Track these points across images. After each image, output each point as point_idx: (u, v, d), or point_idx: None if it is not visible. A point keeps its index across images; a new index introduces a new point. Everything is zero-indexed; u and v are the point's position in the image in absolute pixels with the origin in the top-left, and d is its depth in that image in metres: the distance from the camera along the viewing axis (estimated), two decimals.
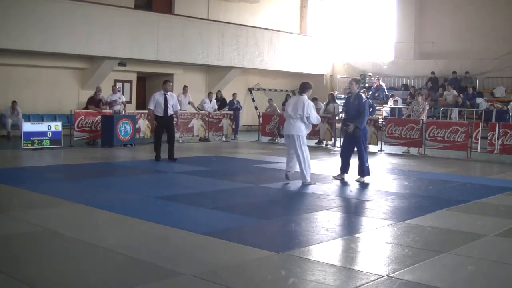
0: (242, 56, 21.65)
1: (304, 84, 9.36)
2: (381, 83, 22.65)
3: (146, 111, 16.96)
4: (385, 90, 22.40)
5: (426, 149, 14.76)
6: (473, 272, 4.68)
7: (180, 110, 14.23)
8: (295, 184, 9.10)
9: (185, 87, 17.70)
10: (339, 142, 16.37)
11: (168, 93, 11.77)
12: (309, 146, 16.51)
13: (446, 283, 4.37)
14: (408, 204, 7.66)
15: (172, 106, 11.78)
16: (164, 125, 11.81)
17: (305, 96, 9.14)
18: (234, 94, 19.80)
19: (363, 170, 9.55)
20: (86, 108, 15.64)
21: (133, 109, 18.64)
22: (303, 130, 9.05)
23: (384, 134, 15.42)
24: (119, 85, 18.77)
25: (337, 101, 18.44)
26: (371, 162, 13.18)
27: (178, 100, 13.22)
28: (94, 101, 15.61)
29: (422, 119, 14.99)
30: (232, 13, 23.20)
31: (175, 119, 12.63)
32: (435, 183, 9.67)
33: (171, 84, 12.07)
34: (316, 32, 26.02)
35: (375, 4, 25.01)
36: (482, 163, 13.38)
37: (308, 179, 9.02)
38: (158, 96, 11.69)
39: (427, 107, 16.00)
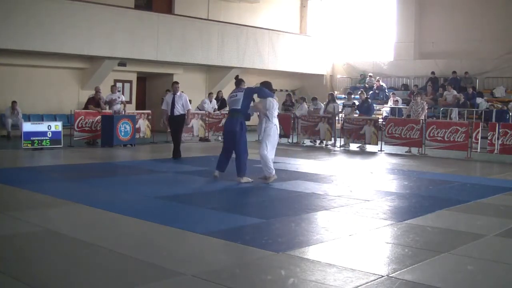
0: (242, 56, 21.65)
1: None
2: (381, 83, 22.65)
3: (146, 111, 17.13)
4: (386, 90, 22.39)
5: (426, 149, 14.76)
6: (473, 272, 4.68)
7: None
8: (295, 184, 9.10)
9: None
10: (339, 142, 16.40)
11: (178, 94, 12.20)
12: (307, 146, 16.73)
13: (446, 283, 4.37)
14: (408, 204, 7.65)
15: (183, 106, 12.22)
16: (173, 125, 12.32)
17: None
18: None
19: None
20: (85, 108, 15.65)
21: (133, 109, 18.65)
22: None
23: (384, 134, 15.41)
24: (119, 85, 18.78)
25: (337, 101, 18.43)
26: (372, 161, 13.23)
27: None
28: (94, 101, 15.62)
29: (422, 119, 14.99)
30: (232, 13, 23.20)
31: (186, 119, 12.70)
32: (435, 183, 9.66)
33: (178, 86, 12.41)
34: (316, 32, 26.01)
35: (375, 4, 25.02)
36: (482, 163, 13.38)
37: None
38: (167, 97, 12.36)
39: (426, 107, 15.99)
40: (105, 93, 16.33)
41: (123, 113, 15.78)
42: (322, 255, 5.07)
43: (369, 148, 15.72)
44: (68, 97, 18.21)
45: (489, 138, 13.87)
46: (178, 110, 12.17)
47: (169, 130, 13.12)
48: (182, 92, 12.48)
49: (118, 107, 16.02)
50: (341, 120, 16.89)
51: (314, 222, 6.53)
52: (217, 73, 22.30)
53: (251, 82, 23.87)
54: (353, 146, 16.07)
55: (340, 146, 16.20)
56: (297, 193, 8.31)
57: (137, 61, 19.09)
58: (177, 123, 12.37)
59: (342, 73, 25.45)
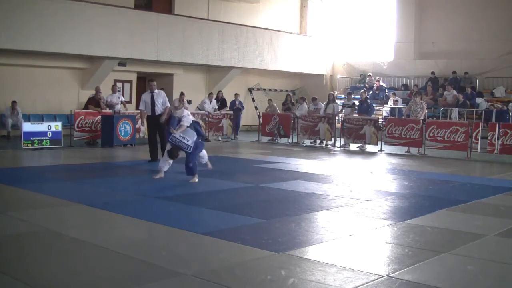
0: (242, 56, 21.64)
1: None
2: (381, 83, 22.64)
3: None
4: (386, 90, 22.38)
5: (426, 149, 14.76)
6: (473, 272, 4.68)
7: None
8: (295, 184, 9.11)
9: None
10: (339, 142, 16.40)
11: (155, 92, 11.50)
12: (307, 146, 16.73)
13: (446, 283, 4.37)
14: (408, 204, 7.66)
15: (162, 104, 11.52)
16: (154, 125, 11.62)
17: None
18: (236, 95, 19.84)
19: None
20: (85, 108, 15.65)
21: (133, 109, 18.63)
22: None
23: (384, 134, 15.41)
24: (119, 85, 18.77)
25: (337, 101, 18.43)
26: (372, 161, 13.23)
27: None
28: (94, 101, 15.63)
29: (422, 119, 14.98)
30: (232, 13, 23.20)
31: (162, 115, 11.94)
32: (435, 183, 9.67)
33: (155, 83, 11.68)
34: (316, 32, 26.00)
35: (375, 4, 25.01)
36: (482, 163, 13.38)
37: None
38: (145, 96, 11.58)
39: (425, 107, 15.99)
40: (105, 93, 16.33)
41: (123, 113, 15.78)
42: (322, 255, 5.08)
43: (369, 148, 15.72)
44: (68, 97, 18.21)
45: (489, 138, 13.87)
46: (160, 108, 11.43)
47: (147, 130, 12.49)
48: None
49: (118, 107, 16.04)
50: (341, 120, 16.88)
51: (314, 222, 6.54)
52: (217, 73, 22.30)
53: (251, 82, 24.09)
54: (353, 146, 16.06)
55: (340, 146, 16.20)
56: (297, 193, 8.31)
57: (137, 61, 19.09)
58: (160, 123, 11.48)
59: (342, 73, 25.44)
